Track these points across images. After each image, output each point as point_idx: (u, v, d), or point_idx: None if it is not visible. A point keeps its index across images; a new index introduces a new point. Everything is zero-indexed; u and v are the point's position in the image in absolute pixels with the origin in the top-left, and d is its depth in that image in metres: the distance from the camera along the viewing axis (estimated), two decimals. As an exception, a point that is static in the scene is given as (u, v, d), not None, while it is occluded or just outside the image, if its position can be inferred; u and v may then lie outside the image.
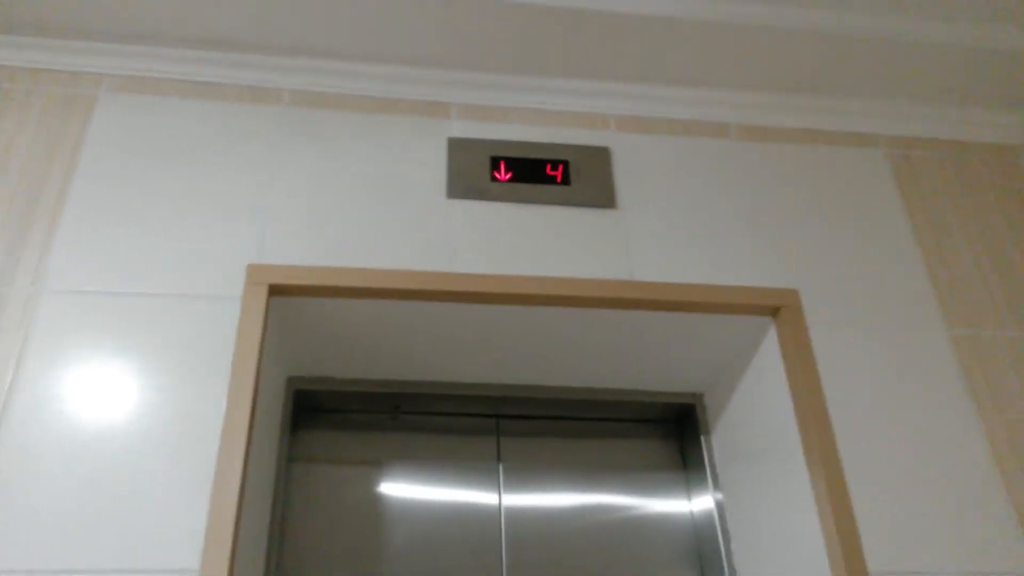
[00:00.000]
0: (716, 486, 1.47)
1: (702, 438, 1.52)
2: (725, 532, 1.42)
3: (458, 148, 1.40)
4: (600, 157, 1.44)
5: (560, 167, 1.41)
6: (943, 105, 1.58)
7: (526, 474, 1.50)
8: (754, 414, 1.39)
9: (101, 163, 1.29)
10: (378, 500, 1.43)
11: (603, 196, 1.39)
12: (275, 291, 1.22)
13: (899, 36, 1.45)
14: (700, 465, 1.50)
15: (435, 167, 1.38)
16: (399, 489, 1.45)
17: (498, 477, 1.49)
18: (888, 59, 1.49)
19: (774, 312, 1.34)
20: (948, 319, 1.36)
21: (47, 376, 1.10)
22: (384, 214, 1.32)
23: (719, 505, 1.45)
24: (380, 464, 1.47)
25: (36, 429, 1.06)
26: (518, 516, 1.45)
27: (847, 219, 1.45)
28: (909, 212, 1.48)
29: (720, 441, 1.50)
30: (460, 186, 1.36)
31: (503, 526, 1.44)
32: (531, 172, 1.40)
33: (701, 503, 1.49)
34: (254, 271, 1.22)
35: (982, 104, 1.59)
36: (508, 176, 1.39)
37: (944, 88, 1.56)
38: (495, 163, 1.40)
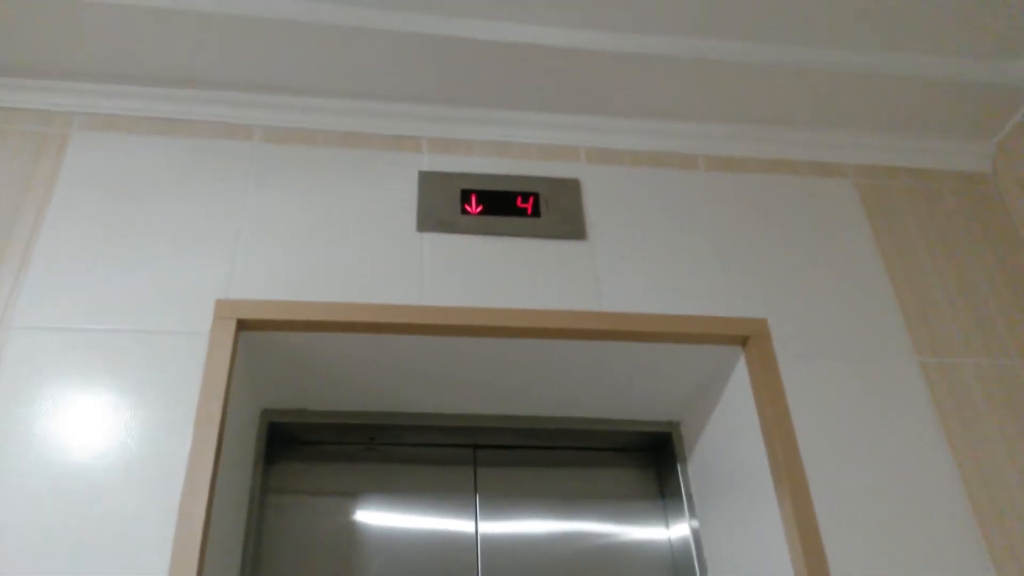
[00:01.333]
0: (692, 514, 1.47)
1: (678, 466, 1.52)
2: (701, 560, 1.42)
3: (428, 181, 1.42)
4: (570, 189, 1.45)
5: (531, 199, 1.42)
6: (911, 135, 1.60)
7: (503, 503, 1.50)
8: (727, 442, 1.39)
9: (73, 200, 1.31)
10: (355, 530, 1.43)
11: (573, 228, 1.41)
12: (243, 326, 1.23)
13: (865, 68, 1.48)
14: (677, 493, 1.50)
15: (406, 200, 1.40)
16: (376, 519, 1.45)
17: (475, 506, 1.49)
18: (855, 90, 1.51)
19: (743, 342, 1.35)
20: (918, 347, 1.37)
21: (15, 411, 1.10)
22: (354, 248, 1.33)
23: (695, 533, 1.45)
24: (356, 495, 1.47)
25: (3, 462, 1.06)
26: (495, 545, 1.45)
27: (816, 248, 1.47)
28: (878, 241, 1.49)
29: (696, 469, 1.50)
30: (430, 219, 1.37)
31: (479, 555, 1.44)
32: (501, 204, 1.41)
33: (678, 531, 1.49)
34: (222, 306, 1.23)
35: (949, 133, 1.61)
36: (479, 209, 1.40)
37: (911, 118, 1.58)
38: (465, 196, 1.41)
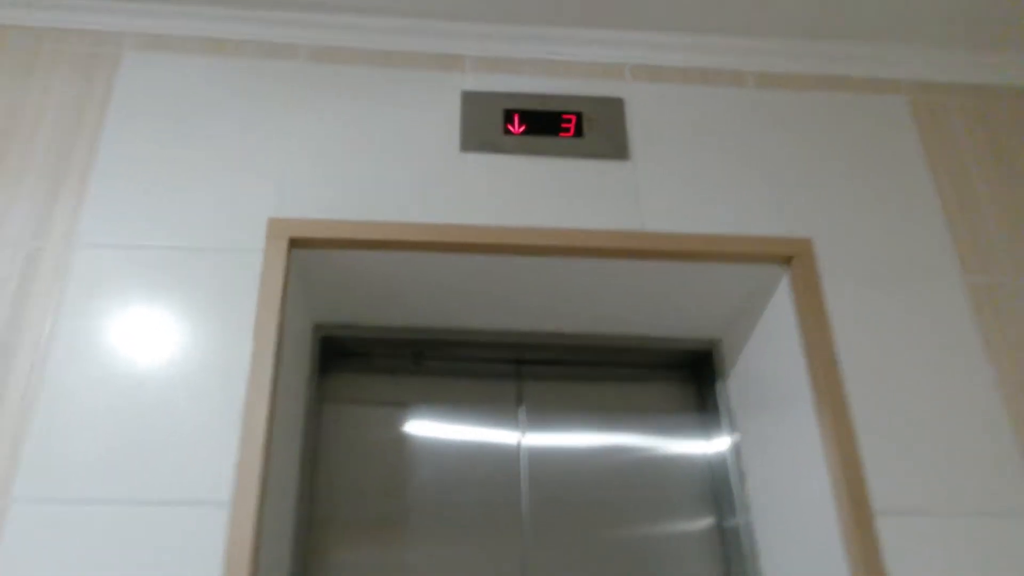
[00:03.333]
0: (732, 429, 1.50)
1: (718, 383, 1.55)
2: (740, 473, 1.46)
3: (471, 102, 1.42)
4: (614, 108, 1.44)
5: (573, 119, 1.42)
6: (966, 48, 1.54)
7: (546, 416, 1.55)
8: (768, 360, 1.41)
9: (126, 121, 1.35)
10: (404, 439, 1.50)
11: (616, 148, 1.40)
12: (295, 244, 1.27)
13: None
14: (716, 409, 1.53)
15: (449, 121, 1.41)
16: (424, 428, 1.51)
17: (518, 419, 1.55)
18: (909, 1, 1.45)
19: (787, 261, 1.35)
20: (965, 266, 1.36)
21: (83, 325, 1.17)
22: (399, 168, 1.35)
23: (735, 447, 1.48)
24: (405, 406, 1.53)
25: (74, 375, 1.13)
26: (538, 456, 1.51)
27: (865, 167, 1.44)
28: (929, 159, 1.46)
29: (736, 386, 1.52)
30: (474, 140, 1.38)
31: (523, 465, 1.50)
32: (544, 124, 1.41)
33: (717, 445, 1.52)
34: (274, 225, 1.27)
35: (1006, 46, 1.54)
36: (522, 129, 1.40)
37: (967, 31, 1.51)
38: (508, 116, 1.41)
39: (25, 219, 1.24)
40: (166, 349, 1.16)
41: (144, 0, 1.42)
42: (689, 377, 1.63)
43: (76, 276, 1.20)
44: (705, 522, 1.49)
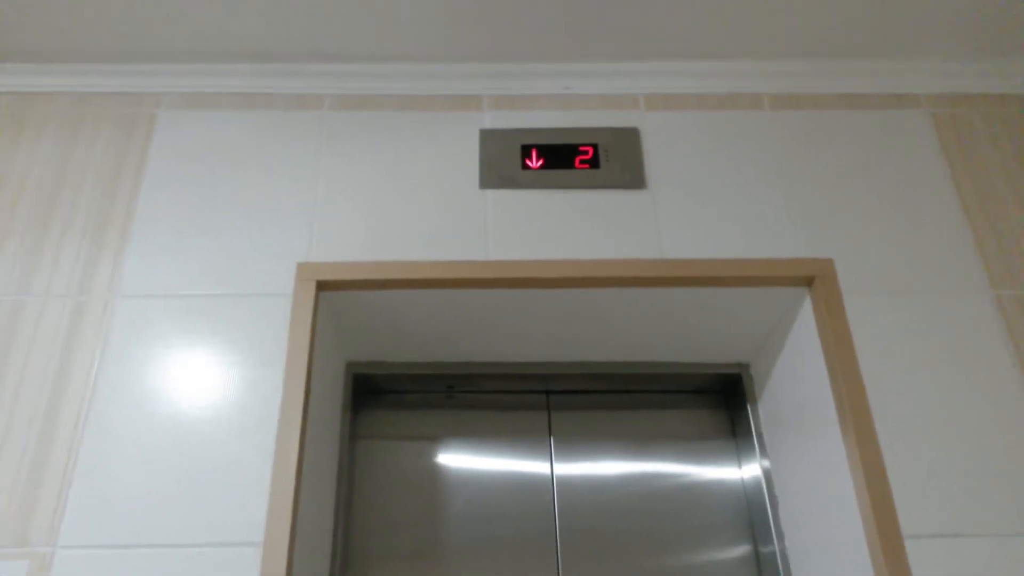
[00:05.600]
0: (763, 453, 1.49)
1: (749, 407, 1.54)
2: (773, 498, 1.44)
3: (489, 139, 1.46)
4: (629, 138, 1.46)
5: (589, 151, 1.44)
6: (987, 57, 1.52)
7: (577, 446, 1.56)
8: (794, 383, 1.40)
9: (163, 176, 1.42)
10: (436, 473, 1.52)
11: (633, 177, 1.42)
12: (322, 286, 1.32)
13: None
14: (748, 433, 1.52)
15: (468, 159, 1.45)
16: (457, 461, 1.54)
17: (550, 449, 1.56)
18: (925, 13, 1.44)
19: (808, 282, 1.34)
20: (993, 281, 1.33)
21: (124, 371, 1.23)
22: (422, 207, 1.39)
23: (766, 472, 1.47)
24: (437, 439, 1.56)
25: (117, 419, 1.19)
26: (570, 486, 1.52)
27: (887, 183, 1.43)
28: (952, 172, 1.44)
29: (766, 409, 1.51)
30: (492, 176, 1.42)
31: (555, 495, 1.51)
32: (561, 157, 1.44)
33: (751, 470, 1.51)
34: (303, 269, 1.32)
35: (1028, 54, 1.52)
36: (540, 163, 1.43)
37: (986, 39, 1.49)
38: (526, 151, 1.44)
39: (71, 273, 1.31)
40: (203, 393, 1.22)
41: (178, 62, 1.50)
42: (720, 402, 1.63)
43: (118, 326, 1.27)
44: (741, 549, 1.47)
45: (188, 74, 1.50)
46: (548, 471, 1.53)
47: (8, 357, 1.24)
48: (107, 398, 1.21)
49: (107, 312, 1.28)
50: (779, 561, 1.39)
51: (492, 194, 1.41)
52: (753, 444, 1.50)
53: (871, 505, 1.14)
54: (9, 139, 1.45)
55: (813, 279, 1.34)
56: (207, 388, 1.22)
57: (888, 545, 1.11)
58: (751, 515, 1.50)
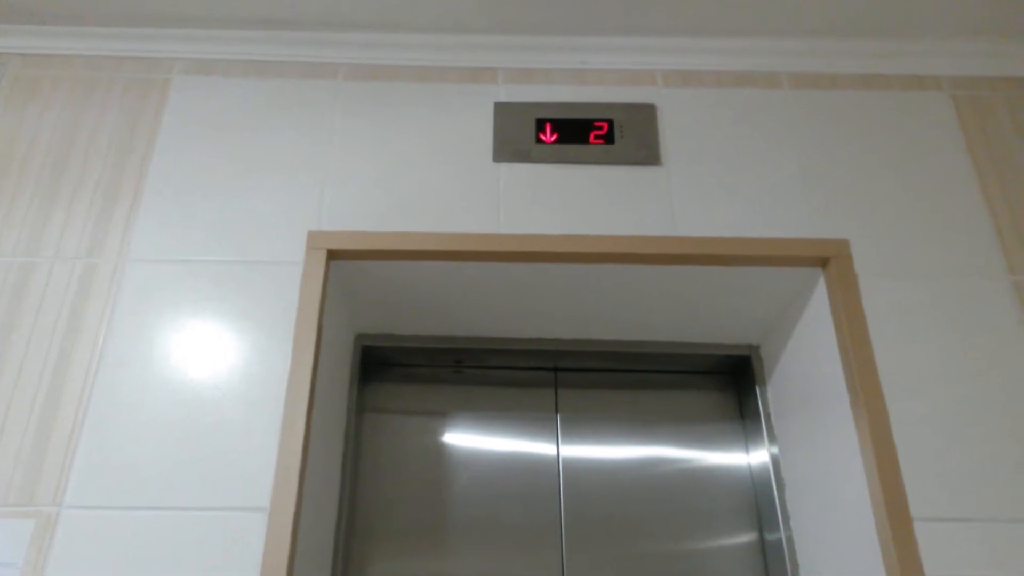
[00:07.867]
0: (771, 437, 1.48)
1: (758, 389, 1.53)
2: (780, 483, 1.44)
3: (504, 112, 1.45)
4: (646, 114, 1.45)
5: (604, 126, 1.43)
6: (1009, 39, 1.49)
7: (583, 424, 1.56)
8: (806, 365, 1.39)
9: (176, 142, 1.41)
10: (442, 448, 1.52)
11: (648, 153, 1.41)
12: (333, 255, 1.31)
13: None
14: (756, 415, 1.52)
15: (482, 131, 1.43)
16: (462, 437, 1.54)
17: (556, 428, 1.55)
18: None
19: (823, 263, 1.33)
20: (1011, 266, 1.32)
21: (133, 336, 1.23)
22: (435, 179, 1.38)
23: (773, 456, 1.46)
24: (444, 414, 1.56)
25: (125, 383, 1.19)
26: (576, 465, 1.51)
27: (905, 165, 1.41)
28: (972, 154, 1.42)
29: (775, 392, 1.50)
30: (506, 149, 1.41)
31: (561, 474, 1.50)
32: (576, 132, 1.42)
33: (757, 454, 1.50)
34: (313, 237, 1.31)
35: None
36: (554, 138, 1.42)
37: (1009, 20, 1.47)
38: (540, 125, 1.43)
39: (81, 235, 1.31)
40: (211, 359, 1.21)
41: (191, 27, 1.49)
42: (729, 384, 1.62)
43: (127, 290, 1.27)
44: (748, 535, 1.47)
45: (203, 40, 1.49)
46: (554, 451, 1.53)
47: (17, 318, 1.24)
48: (115, 361, 1.21)
49: (116, 275, 1.28)
50: (785, 547, 1.39)
51: (505, 167, 1.40)
52: (761, 427, 1.50)
53: (881, 489, 1.13)
54: (22, 101, 1.44)
55: (828, 260, 1.32)
56: (215, 353, 1.21)
57: (898, 529, 1.10)
58: (757, 500, 1.49)
